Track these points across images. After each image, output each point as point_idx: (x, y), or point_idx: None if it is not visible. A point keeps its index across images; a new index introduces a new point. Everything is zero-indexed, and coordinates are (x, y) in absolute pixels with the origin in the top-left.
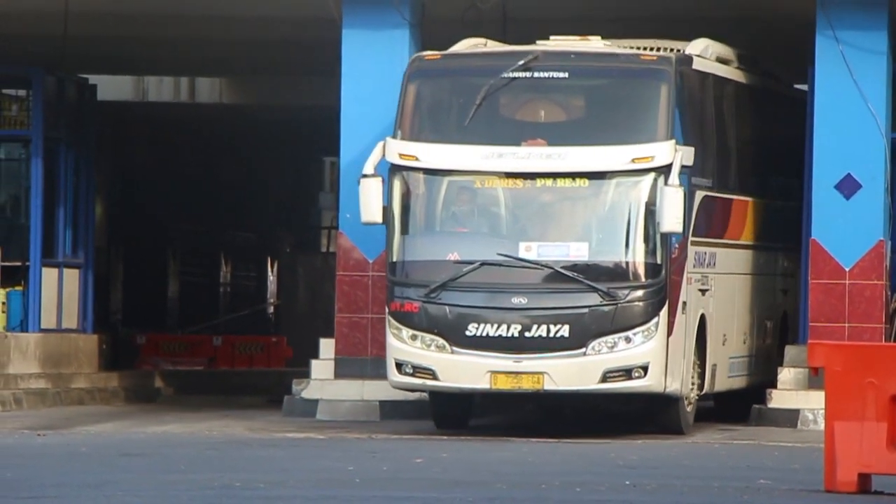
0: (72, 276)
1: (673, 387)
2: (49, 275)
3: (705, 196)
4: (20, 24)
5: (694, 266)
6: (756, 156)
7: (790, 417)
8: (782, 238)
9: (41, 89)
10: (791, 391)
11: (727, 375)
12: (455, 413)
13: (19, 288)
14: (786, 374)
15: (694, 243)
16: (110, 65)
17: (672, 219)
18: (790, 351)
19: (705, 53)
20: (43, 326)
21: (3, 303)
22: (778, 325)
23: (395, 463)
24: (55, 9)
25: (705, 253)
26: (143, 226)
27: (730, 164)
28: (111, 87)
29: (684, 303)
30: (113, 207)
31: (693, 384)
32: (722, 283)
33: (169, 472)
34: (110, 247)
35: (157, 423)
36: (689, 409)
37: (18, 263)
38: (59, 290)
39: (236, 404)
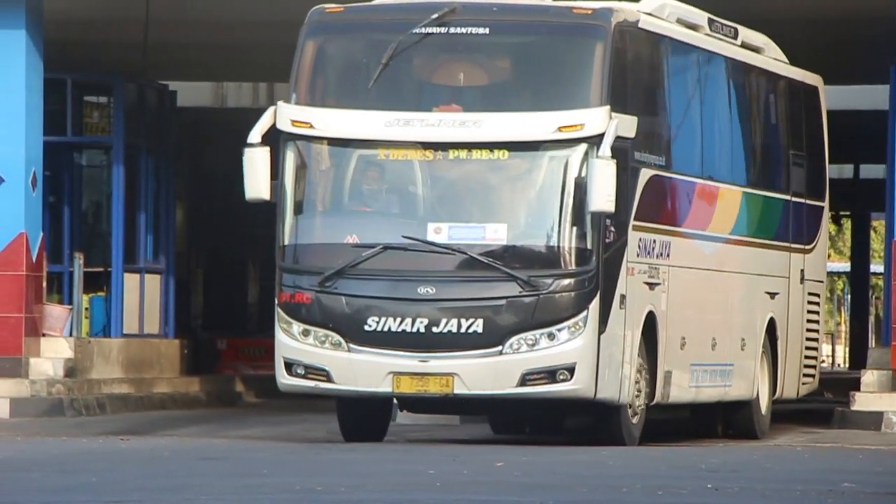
0: (153, 282)
1: (607, 393)
2: (131, 280)
3: (654, 176)
4: (101, 32)
5: (637, 255)
6: (733, 140)
7: (874, 420)
8: (769, 235)
9: (122, 96)
10: (874, 393)
11: (689, 384)
12: (364, 422)
13: (102, 294)
14: (869, 377)
15: (638, 228)
16: (190, 71)
17: (602, 196)
18: (873, 353)
19: (660, 13)
20: (125, 332)
21: (87, 308)
22: (762, 331)
23: (476, 466)
24: (136, 16)
25: (654, 241)
26: (223, 231)
27: (693, 143)
28: (191, 93)
29: (622, 296)
30: (193, 213)
31: (639, 392)
32: (679, 278)
33: (250, 476)
34: (191, 252)
35: (238, 427)
36: (634, 420)
37: (101, 269)
38: (141, 295)
39: (317, 408)
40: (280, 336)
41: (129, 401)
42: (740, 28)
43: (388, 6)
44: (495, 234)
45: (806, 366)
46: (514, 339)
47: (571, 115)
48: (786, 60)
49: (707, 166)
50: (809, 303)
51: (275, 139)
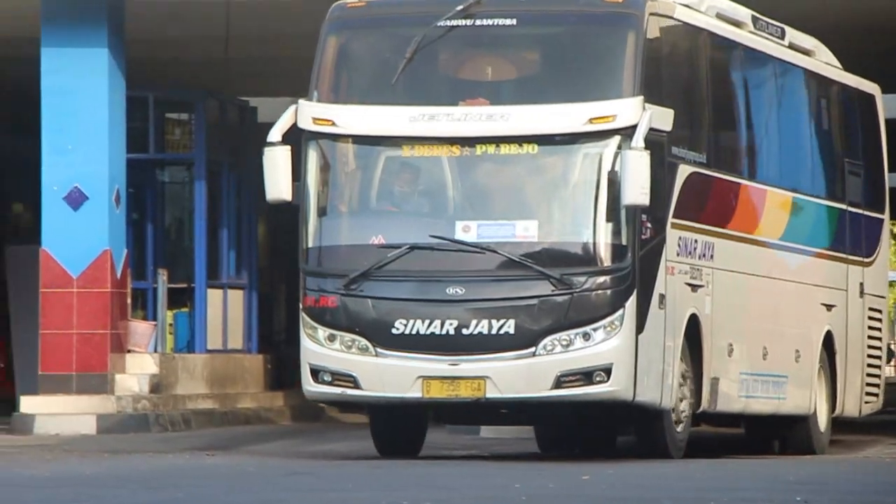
0: (236, 297)
1: (646, 396)
2: (214, 296)
3: (694, 173)
4: (182, 49)
5: (677, 254)
6: (781, 143)
7: None
8: (823, 244)
9: (203, 113)
10: None
11: (738, 394)
12: (399, 435)
13: (185, 309)
14: None
15: (677, 226)
16: (270, 87)
17: (636, 188)
18: None
19: (697, 6)
20: (209, 347)
21: (171, 324)
22: (818, 344)
23: (562, 480)
24: (217, 33)
25: (695, 241)
26: None
27: (736, 143)
28: (271, 108)
29: (661, 295)
30: (275, 228)
31: (683, 398)
32: (724, 281)
33: (335, 491)
34: (273, 267)
35: (322, 441)
36: (679, 428)
37: (184, 285)
38: (224, 310)
39: None
40: (305, 342)
41: (214, 416)
42: (788, 29)
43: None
44: (526, 232)
45: (868, 384)
46: (547, 340)
47: (603, 106)
48: (839, 66)
49: (753, 167)
50: (870, 318)
51: (297, 138)
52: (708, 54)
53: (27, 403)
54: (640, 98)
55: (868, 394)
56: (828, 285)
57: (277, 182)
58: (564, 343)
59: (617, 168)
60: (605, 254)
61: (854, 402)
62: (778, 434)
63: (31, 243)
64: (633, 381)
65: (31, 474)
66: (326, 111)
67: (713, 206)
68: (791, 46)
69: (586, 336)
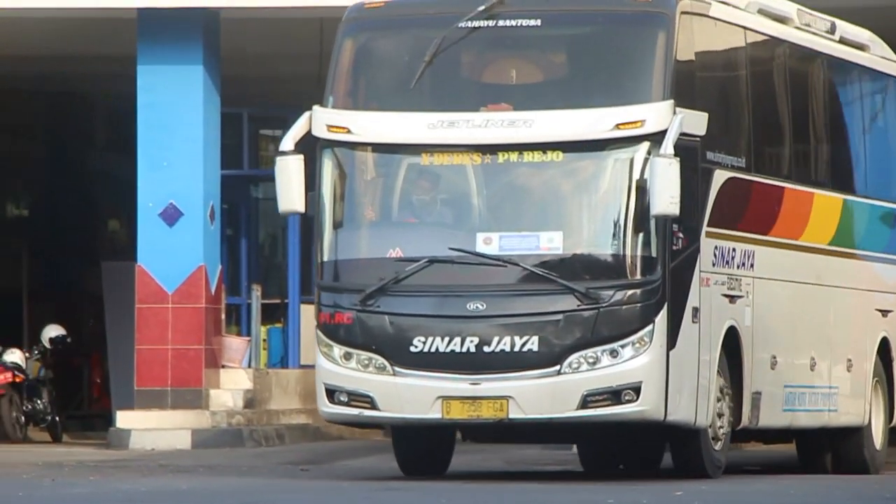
0: None
1: (679, 415)
2: (307, 311)
3: (732, 178)
4: (276, 66)
5: (713, 264)
6: (832, 143)
7: None
8: (879, 248)
9: None
10: None
11: (782, 408)
12: (425, 454)
13: (279, 325)
14: None
15: (712, 235)
16: None
17: (665, 198)
18: None
19: (736, 2)
20: (302, 363)
21: (264, 340)
22: (873, 352)
23: (656, 496)
24: (310, 50)
25: (733, 249)
26: None
27: (780, 145)
28: None
29: (695, 309)
30: None
31: (721, 414)
32: (766, 291)
33: None
34: None
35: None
36: (717, 446)
37: (277, 301)
38: None
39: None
40: (320, 361)
41: (307, 431)
42: (839, 22)
43: (431, 0)
44: (550, 244)
45: None
46: (573, 358)
47: (631, 110)
48: (894, 59)
49: (799, 170)
50: None
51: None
52: (748, 53)
53: (123, 418)
54: (671, 102)
55: None
56: (884, 290)
57: (290, 193)
58: (591, 360)
59: (646, 176)
60: (633, 266)
61: None
62: (831, 449)
63: (127, 259)
64: (664, 399)
65: (127, 489)
66: (341, 118)
67: (753, 213)
68: (842, 41)
69: (614, 353)
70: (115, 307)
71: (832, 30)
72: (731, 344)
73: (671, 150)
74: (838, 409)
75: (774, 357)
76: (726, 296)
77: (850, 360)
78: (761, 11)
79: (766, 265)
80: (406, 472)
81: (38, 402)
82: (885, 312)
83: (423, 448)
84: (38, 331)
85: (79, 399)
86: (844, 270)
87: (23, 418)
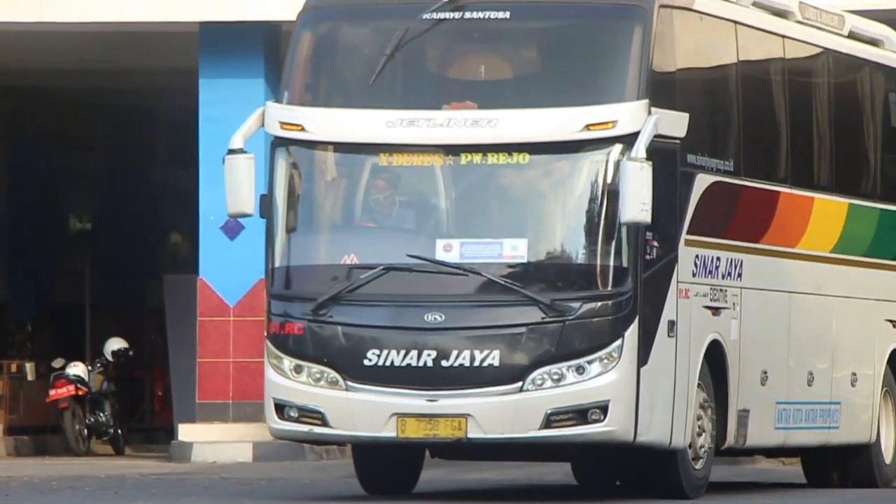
0: None
1: (651, 435)
2: None
3: (716, 182)
4: None
5: (693, 275)
6: (835, 144)
7: None
8: (889, 255)
9: None
10: None
11: (774, 426)
12: (387, 473)
13: None
14: None
15: (693, 244)
16: None
17: (635, 205)
18: None
19: None
20: None
21: None
22: (881, 364)
23: None
24: None
25: (717, 258)
26: None
27: (775, 147)
28: None
29: (671, 322)
30: None
31: (701, 432)
32: (755, 302)
33: None
34: None
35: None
36: (698, 465)
37: None
38: None
39: None
40: (269, 373)
41: None
42: (848, 16)
43: None
44: (514, 252)
45: None
46: (536, 374)
47: (602, 110)
48: None
49: (797, 173)
50: None
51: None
52: (739, 49)
53: (185, 431)
54: (645, 102)
55: None
56: (894, 299)
57: (239, 193)
58: (556, 377)
59: (617, 180)
60: (602, 276)
61: None
62: (837, 465)
63: (189, 273)
64: (633, 419)
65: (191, 503)
66: (295, 114)
67: (742, 219)
68: (851, 36)
69: (580, 369)
70: (177, 320)
71: (841, 24)
72: (716, 359)
73: (643, 154)
74: (840, 425)
75: (765, 372)
76: (709, 308)
77: (854, 374)
78: (757, 4)
79: (756, 275)
80: (368, 491)
81: (101, 414)
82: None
83: (386, 464)
84: (101, 344)
85: (141, 412)
86: (849, 279)
87: (85, 431)
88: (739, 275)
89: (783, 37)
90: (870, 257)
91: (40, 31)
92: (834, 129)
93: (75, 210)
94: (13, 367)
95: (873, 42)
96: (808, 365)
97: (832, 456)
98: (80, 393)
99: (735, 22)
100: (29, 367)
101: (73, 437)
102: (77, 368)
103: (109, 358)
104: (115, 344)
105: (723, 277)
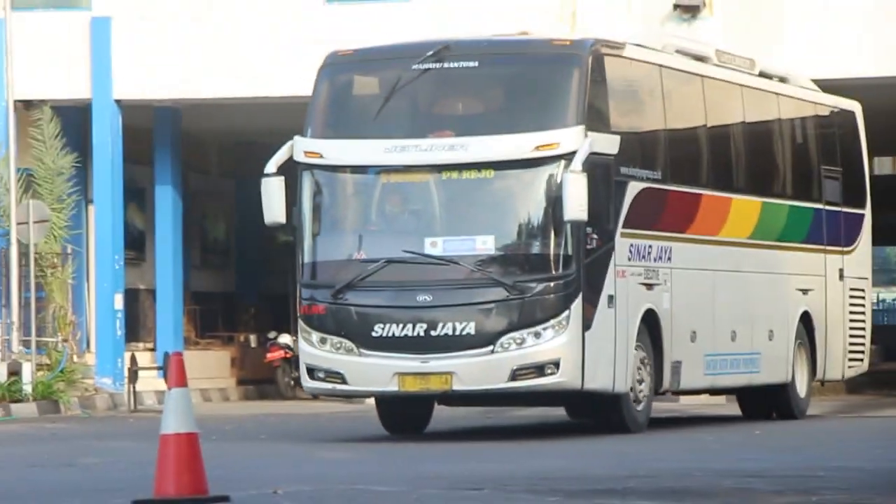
0: None
1: (596, 383)
2: None
3: (646, 188)
4: None
5: (629, 259)
6: (750, 157)
7: None
8: (798, 239)
9: None
10: None
11: (703, 373)
12: (404, 417)
13: None
14: None
15: (628, 235)
16: None
17: (575, 206)
18: None
19: (652, 44)
20: None
21: None
22: (794, 323)
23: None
24: None
25: (650, 246)
26: None
27: (697, 160)
28: None
29: (611, 296)
30: None
31: (641, 381)
32: (684, 278)
33: None
34: None
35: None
36: (639, 407)
37: None
38: None
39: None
40: (302, 344)
41: None
42: (758, 60)
43: (392, 47)
44: (484, 246)
45: (852, 351)
46: (504, 339)
47: (548, 135)
48: (816, 88)
49: (716, 180)
50: (852, 297)
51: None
52: (664, 85)
53: None
54: (582, 127)
55: (852, 359)
56: (805, 273)
57: (273, 208)
58: (518, 341)
59: (562, 189)
60: (552, 263)
61: (836, 368)
62: (762, 400)
63: None
64: (580, 371)
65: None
66: (315, 145)
67: (669, 215)
68: (762, 75)
69: (537, 335)
70: None
71: (751, 66)
72: (652, 324)
73: (580, 167)
74: (760, 370)
75: (694, 332)
76: (644, 284)
77: (771, 331)
78: (680, 51)
79: (683, 258)
80: (389, 431)
81: None
82: (805, 291)
83: (402, 410)
84: None
85: None
86: (764, 259)
87: (292, 382)
88: (669, 258)
89: (700, 76)
90: (782, 242)
91: (256, 103)
92: (748, 146)
93: (280, 230)
94: (241, 338)
95: (781, 79)
96: (731, 325)
97: (759, 393)
98: (288, 356)
99: (659, 65)
100: (252, 338)
101: (283, 387)
102: (285, 338)
103: None
104: None
105: (654, 260)
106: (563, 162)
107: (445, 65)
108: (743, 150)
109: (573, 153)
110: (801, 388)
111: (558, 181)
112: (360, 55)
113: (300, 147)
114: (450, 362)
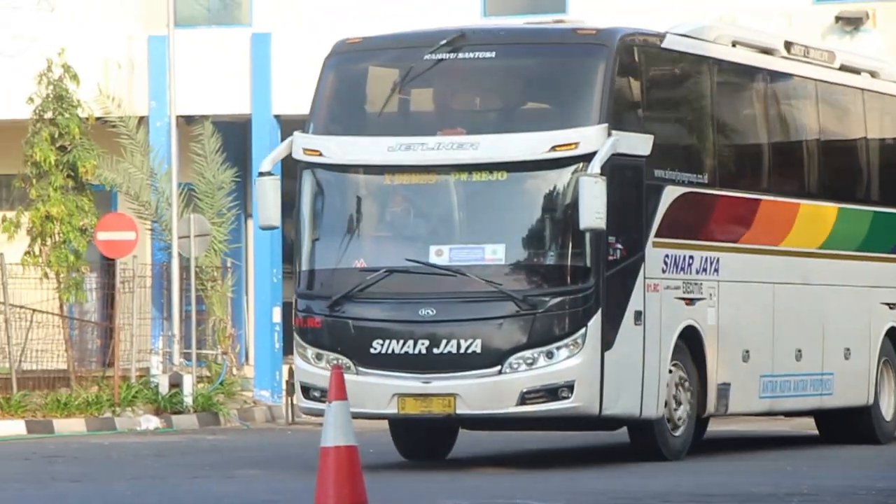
0: None
1: (617, 409)
2: None
3: (686, 193)
4: None
5: (664, 271)
6: (828, 159)
7: None
8: (884, 249)
9: None
10: None
11: (759, 395)
12: (420, 441)
13: None
14: None
15: (662, 245)
16: None
17: (591, 213)
18: None
19: (699, 34)
20: None
21: None
22: (878, 341)
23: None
24: None
25: (690, 257)
26: None
27: (754, 161)
28: None
29: (638, 312)
30: None
31: (678, 404)
32: (735, 292)
33: None
34: None
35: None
36: (676, 433)
37: None
38: None
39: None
40: (297, 360)
41: None
42: (840, 52)
43: (404, 35)
44: (494, 255)
45: None
46: (513, 359)
47: (566, 134)
48: None
49: (778, 184)
50: None
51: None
52: (712, 79)
53: None
54: (605, 126)
55: None
56: (892, 285)
57: (267, 210)
58: (529, 361)
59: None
60: (568, 275)
61: None
62: (840, 423)
63: None
64: (598, 395)
65: None
66: (314, 142)
67: (718, 223)
68: (843, 68)
69: (550, 355)
70: None
71: (830, 59)
72: (694, 342)
73: (598, 170)
74: (833, 392)
75: (747, 351)
76: (683, 298)
77: (847, 349)
78: (737, 43)
79: (735, 270)
80: (405, 457)
81: None
82: (893, 305)
83: (419, 434)
84: None
85: None
86: (840, 271)
87: None
88: (716, 270)
89: (762, 70)
90: (864, 251)
91: None
92: (822, 147)
93: None
94: None
95: (871, 73)
96: (796, 343)
97: (838, 415)
98: None
99: (708, 57)
100: None
101: None
102: None
103: None
104: None
105: (697, 273)
106: (582, 164)
107: (461, 55)
108: (816, 151)
109: (594, 154)
110: (888, 411)
111: (576, 185)
112: (370, 43)
113: (299, 144)
114: (453, 383)
